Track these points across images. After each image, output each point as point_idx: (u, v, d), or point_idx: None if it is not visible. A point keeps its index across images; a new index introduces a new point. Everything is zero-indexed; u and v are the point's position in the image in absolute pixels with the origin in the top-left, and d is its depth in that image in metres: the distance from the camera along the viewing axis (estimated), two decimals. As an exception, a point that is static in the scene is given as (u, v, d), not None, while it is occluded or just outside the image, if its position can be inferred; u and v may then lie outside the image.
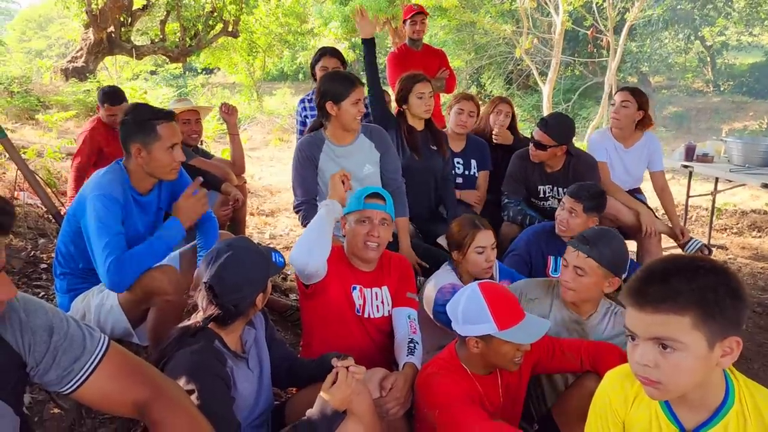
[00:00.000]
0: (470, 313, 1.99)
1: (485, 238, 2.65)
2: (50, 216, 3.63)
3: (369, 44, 3.61)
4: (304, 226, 3.06)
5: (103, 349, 1.38)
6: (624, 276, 2.37)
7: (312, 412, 1.77)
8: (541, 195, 3.66)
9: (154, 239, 2.39)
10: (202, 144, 4.39)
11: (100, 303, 2.41)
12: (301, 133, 4.22)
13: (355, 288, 2.46)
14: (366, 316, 2.48)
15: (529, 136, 3.73)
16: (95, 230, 2.27)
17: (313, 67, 4.02)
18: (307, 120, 4.18)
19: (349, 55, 14.81)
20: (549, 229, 3.14)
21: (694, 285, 1.23)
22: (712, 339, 1.24)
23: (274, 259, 1.95)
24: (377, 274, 2.52)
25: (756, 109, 16.17)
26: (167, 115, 2.46)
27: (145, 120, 2.39)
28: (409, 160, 3.46)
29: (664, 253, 4.48)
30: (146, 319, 2.41)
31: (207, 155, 4.11)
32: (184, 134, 3.48)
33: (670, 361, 1.25)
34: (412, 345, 2.38)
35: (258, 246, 1.97)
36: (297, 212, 3.13)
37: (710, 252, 3.87)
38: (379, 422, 2.00)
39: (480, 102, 4.11)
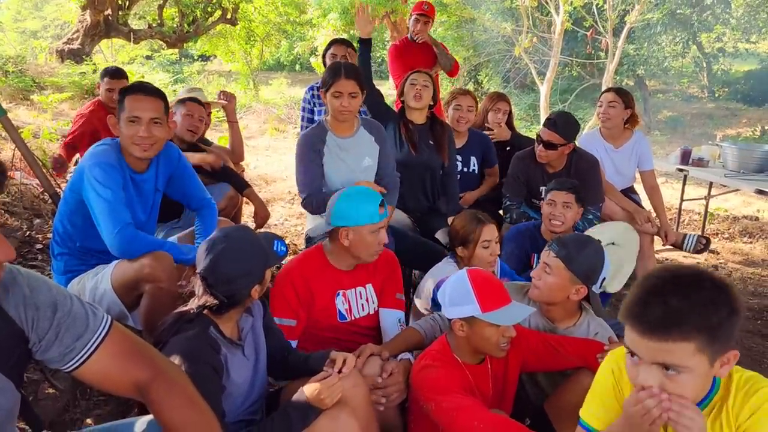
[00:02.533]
0: (456, 295, 2.03)
1: (490, 232, 2.68)
2: (46, 196, 3.61)
3: (365, 44, 3.66)
4: (313, 212, 3.08)
5: (106, 328, 1.38)
6: (599, 288, 2.37)
7: (290, 403, 1.79)
8: (543, 195, 3.66)
9: (168, 243, 2.45)
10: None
11: (94, 286, 2.41)
12: (309, 121, 4.23)
13: (338, 295, 2.45)
14: (353, 318, 2.49)
15: (527, 134, 3.73)
16: (98, 197, 2.28)
17: (324, 56, 4.11)
18: (315, 109, 4.20)
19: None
20: (532, 228, 3.17)
21: (697, 309, 1.22)
22: (714, 357, 1.26)
23: (275, 248, 1.94)
24: (358, 273, 2.50)
25: (750, 116, 16.29)
26: (142, 89, 2.42)
27: (122, 92, 2.41)
28: (407, 154, 3.46)
29: (657, 255, 4.52)
30: (140, 304, 2.41)
31: (206, 143, 4.10)
32: (186, 127, 3.47)
33: (674, 381, 1.27)
34: None
35: (257, 236, 1.95)
36: (305, 206, 3.09)
37: (708, 242, 3.88)
38: (375, 414, 2.01)
39: (478, 99, 4.13)
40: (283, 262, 4.00)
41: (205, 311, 1.85)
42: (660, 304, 1.24)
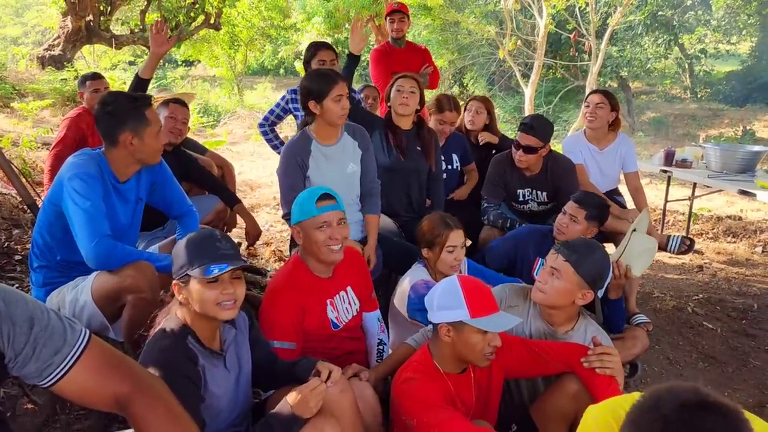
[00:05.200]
0: (445, 299, 2.02)
1: (457, 237, 2.71)
2: (25, 206, 3.55)
3: (353, 59, 3.58)
4: None
5: (84, 342, 1.35)
6: (600, 293, 2.37)
7: (273, 414, 1.76)
8: (521, 198, 3.68)
9: (145, 253, 2.43)
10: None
11: (74, 298, 2.37)
12: (278, 117, 4.18)
13: (327, 304, 2.42)
14: (342, 324, 2.47)
15: (513, 137, 3.74)
16: (77, 208, 2.25)
17: (308, 63, 3.88)
18: (296, 113, 4.14)
19: (332, 52, 14.72)
20: (543, 232, 3.17)
21: None
22: None
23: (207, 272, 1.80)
24: (337, 277, 2.49)
25: (731, 116, 16.45)
26: (149, 100, 2.49)
27: (133, 107, 2.38)
28: (395, 160, 3.45)
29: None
30: (121, 315, 2.37)
31: (193, 148, 4.05)
32: (169, 129, 3.43)
33: None
34: (380, 348, 2.55)
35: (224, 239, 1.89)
36: (286, 219, 3.08)
37: (692, 244, 3.89)
38: (362, 422, 1.99)
39: (461, 102, 4.15)
40: (267, 267, 4.01)
41: (184, 320, 1.82)
42: None
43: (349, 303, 2.51)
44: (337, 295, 2.47)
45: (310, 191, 2.37)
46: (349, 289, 2.52)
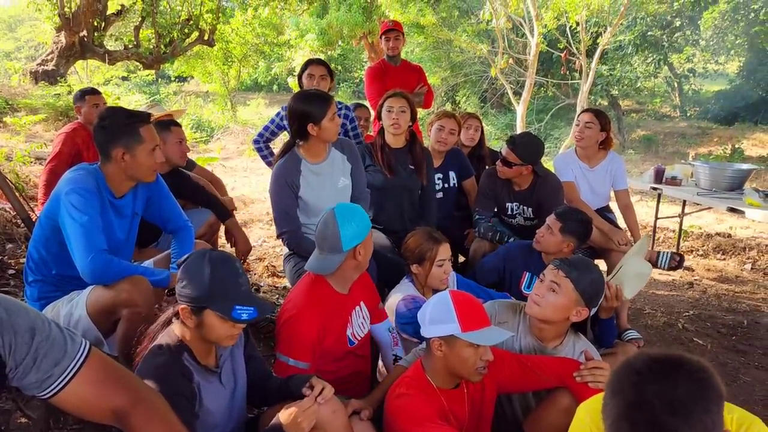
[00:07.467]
0: (437, 313, 2.04)
1: (445, 250, 2.76)
2: (19, 221, 3.55)
3: None
4: (291, 249, 3.09)
5: (85, 354, 1.35)
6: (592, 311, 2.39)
7: (266, 430, 1.76)
8: (509, 212, 3.72)
9: (141, 268, 2.42)
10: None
11: (69, 312, 2.36)
12: (272, 133, 4.16)
13: (347, 324, 2.45)
14: (356, 341, 2.49)
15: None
16: (74, 222, 2.25)
17: (300, 77, 3.99)
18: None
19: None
20: (530, 246, 3.20)
21: (692, 421, 1.11)
22: None
23: (234, 313, 1.78)
24: (353, 293, 2.50)
25: (720, 135, 16.66)
26: (147, 117, 2.47)
27: (127, 123, 2.38)
28: (384, 178, 3.49)
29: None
30: (116, 329, 2.37)
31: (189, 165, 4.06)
32: (178, 154, 3.44)
33: None
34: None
35: (227, 270, 1.82)
36: (280, 238, 3.11)
37: (681, 259, 3.92)
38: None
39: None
40: (260, 283, 3.99)
41: (182, 338, 1.82)
42: (650, 425, 1.12)
43: (363, 317, 2.53)
44: (354, 311, 2.48)
45: (354, 209, 2.40)
46: (362, 303, 2.54)
